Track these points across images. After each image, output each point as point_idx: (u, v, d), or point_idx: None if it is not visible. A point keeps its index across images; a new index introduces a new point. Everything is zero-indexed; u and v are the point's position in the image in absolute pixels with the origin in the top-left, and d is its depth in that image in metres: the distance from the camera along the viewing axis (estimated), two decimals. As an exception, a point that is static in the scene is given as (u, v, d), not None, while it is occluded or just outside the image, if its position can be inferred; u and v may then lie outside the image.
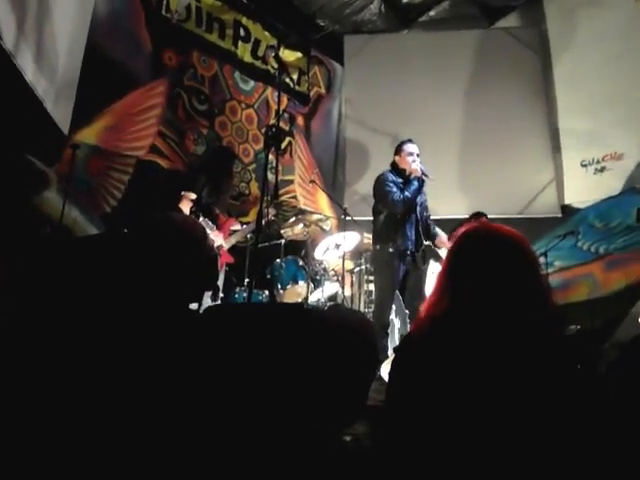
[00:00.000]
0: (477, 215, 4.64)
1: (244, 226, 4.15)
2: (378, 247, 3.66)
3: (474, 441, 1.01)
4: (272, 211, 4.06)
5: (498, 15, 6.29)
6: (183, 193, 3.81)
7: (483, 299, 1.14)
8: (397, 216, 3.62)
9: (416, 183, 3.66)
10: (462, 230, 1.32)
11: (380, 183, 3.70)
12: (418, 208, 3.78)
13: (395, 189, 3.61)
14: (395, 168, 3.78)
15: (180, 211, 3.69)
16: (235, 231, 4.06)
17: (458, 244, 1.30)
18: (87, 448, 0.97)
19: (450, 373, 1.07)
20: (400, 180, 3.70)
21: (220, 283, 3.93)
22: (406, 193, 3.61)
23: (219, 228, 3.92)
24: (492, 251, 1.21)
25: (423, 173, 3.68)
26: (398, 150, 3.81)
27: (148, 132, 4.53)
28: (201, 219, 3.69)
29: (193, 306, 3.52)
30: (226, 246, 3.91)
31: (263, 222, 3.86)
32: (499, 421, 1.02)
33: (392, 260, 3.59)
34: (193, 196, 3.79)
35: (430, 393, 1.09)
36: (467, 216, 4.89)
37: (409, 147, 3.78)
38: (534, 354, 1.07)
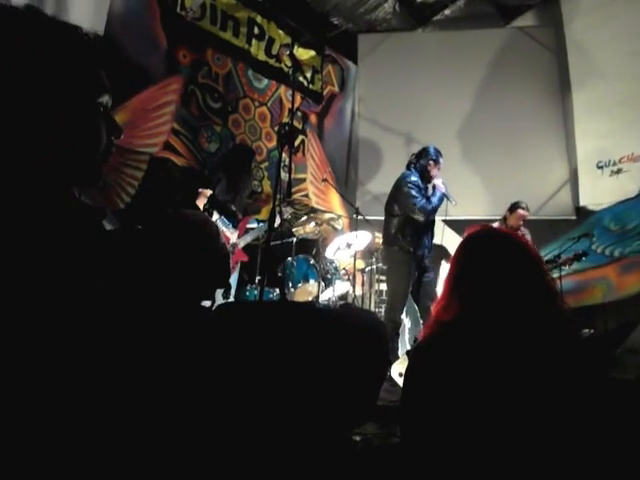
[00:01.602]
0: (512, 205, 4.59)
1: (260, 224, 4.16)
2: (395, 248, 3.68)
3: (488, 445, 1.01)
4: (289, 210, 4.08)
5: (514, 14, 6.23)
6: (200, 190, 3.82)
7: (491, 301, 1.13)
8: (417, 221, 3.64)
9: (439, 194, 3.69)
10: (466, 233, 1.33)
11: (404, 185, 3.70)
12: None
13: (420, 196, 3.62)
14: (423, 170, 3.81)
15: (197, 208, 3.70)
16: (251, 229, 4.06)
17: (463, 247, 1.30)
18: (92, 444, 0.97)
19: (462, 378, 1.07)
20: (423, 185, 3.77)
21: (234, 281, 3.94)
22: (433, 202, 3.63)
23: (236, 226, 3.93)
24: (497, 252, 1.20)
25: (446, 195, 3.74)
26: (431, 157, 3.86)
27: (162, 129, 4.55)
28: (216, 216, 3.71)
29: (206, 304, 3.54)
30: (241, 244, 3.92)
31: (280, 221, 3.91)
32: (513, 424, 1.01)
33: (407, 263, 3.64)
34: (209, 193, 3.81)
35: (443, 398, 1.08)
36: (480, 217, 4.86)
37: (442, 162, 3.90)
38: (546, 356, 1.06)
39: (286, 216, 4.02)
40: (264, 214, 5.07)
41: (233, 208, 3.87)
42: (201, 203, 3.76)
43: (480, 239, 1.29)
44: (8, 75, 0.81)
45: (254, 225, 4.12)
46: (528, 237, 4.65)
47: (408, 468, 1.15)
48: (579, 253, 4.35)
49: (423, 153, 3.90)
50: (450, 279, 1.27)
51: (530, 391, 1.02)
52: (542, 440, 0.99)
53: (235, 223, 3.92)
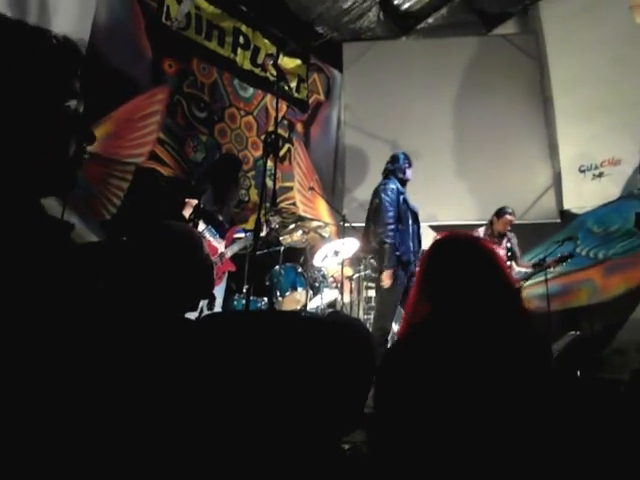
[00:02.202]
0: (498, 211, 4.65)
1: (247, 234, 4.15)
2: (377, 259, 3.72)
3: (457, 442, 1.02)
4: (277, 218, 4.09)
5: (496, 22, 6.33)
6: (187, 200, 3.81)
7: (456, 303, 1.17)
8: (401, 229, 3.70)
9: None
10: (435, 239, 1.37)
11: (382, 200, 3.76)
12: (414, 219, 3.87)
13: (393, 221, 3.67)
14: (401, 177, 3.96)
15: (183, 218, 3.69)
16: (238, 239, 4.05)
17: (430, 252, 1.34)
18: (77, 459, 0.97)
19: (430, 378, 1.09)
20: (403, 189, 3.89)
21: (222, 291, 3.92)
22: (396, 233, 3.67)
23: (223, 236, 3.92)
24: (461, 256, 1.24)
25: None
26: (405, 161, 4.03)
27: (148, 139, 4.55)
28: (203, 226, 3.70)
29: (192, 315, 3.53)
30: (228, 254, 3.91)
31: (268, 230, 3.94)
32: (480, 418, 1.03)
33: (396, 271, 3.64)
34: (195, 203, 3.80)
35: (414, 397, 1.10)
36: (466, 222, 4.92)
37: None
38: (507, 354, 1.09)
39: (274, 225, 4.03)
40: (252, 223, 5.07)
41: (220, 218, 3.87)
42: (187, 213, 3.75)
43: (446, 244, 1.33)
44: None
45: (241, 235, 4.12)
46: (515, 241, 4.72)
47: (379, 468, 1.17)
48: (565, 255, 4.41)
49: (396, 159, 4.02)
50: (418, 282, 1.31)
51: (494, 387, 1.04)
52: (509, 435, 1.01)
53: (222, 233, 3.91)
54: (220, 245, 3.86)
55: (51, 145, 0.93)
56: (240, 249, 3.99)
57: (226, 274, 3.95)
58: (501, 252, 4.43)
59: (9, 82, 0.84)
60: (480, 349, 1.09)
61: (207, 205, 3.80)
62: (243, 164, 5.49)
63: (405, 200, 3.83)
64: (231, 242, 3.99)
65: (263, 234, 4.02)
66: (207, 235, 3.75)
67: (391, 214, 3.67)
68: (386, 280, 3.56)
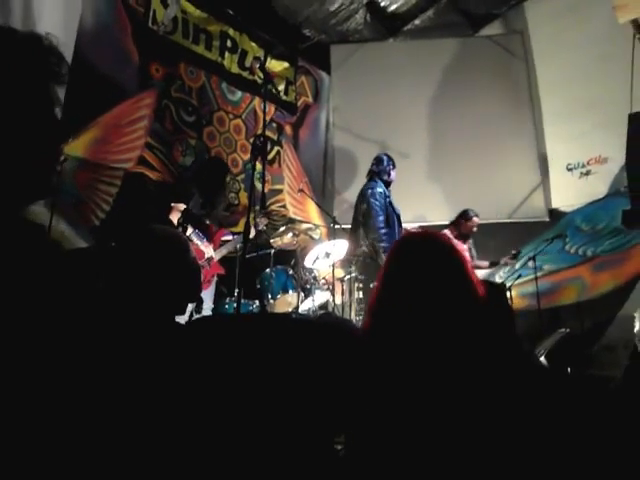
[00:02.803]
0: (462, 213, 4.76)
1: (235, 237, 4.15)
2: (368, 260, 3.83)
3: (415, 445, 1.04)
4: (264, 220, 4.10)
5: (482, 23, 6.39)
6: (173, 204, 3.80)
7: (415, 300, 1.18)
8: (387, 234, 3.79)
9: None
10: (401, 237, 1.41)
11: (371, 205, 3.86)
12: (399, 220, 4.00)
13: (384, 225, 3.78)
14: (386, 179, 4.06)
15: (171, 222, 3.68)
16: (226, 242, 4.05)
17: (392, 250, 1.36)
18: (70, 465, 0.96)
19: (386, 381, 1.11)
20: (388, 191, 3.99)
21: (210, 294, 3.91)
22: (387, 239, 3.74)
23: (210, 239, 3.91)
24: (422, 254, 1.25)
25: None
26: (390, 163, 4.13)
27: (136, 144, 4.52)
28: (190, 230, 3.69)
29: (182, 318, 3.52)
30: (217, 257, 3.91)
31: (255, 232, 3.95)
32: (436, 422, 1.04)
33: None
34: (183, 207, 3.79)
35: (374, 391, 1.12)
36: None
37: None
38: (466, 353, 1.10)
39: (261, 227, 4.05)
40: (242, 226, 5.05)
41: (207, 222, 3.86)
42: (174, 217, 3.74)
43: (407, 242, 1.35)
44: None
45: (229, 238, 4.12)
46: (471, 241, 4.91)
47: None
48: (516, 252, 4.77)
49: (380, 161, 4.12)
50: (380, 279, 1.32)
51: (452, 390, 1.06)
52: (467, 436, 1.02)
53: (209, 237, 3.91)
54: (207, 249, 3.85)
55: (35, 152, 0.93)
56: (228, 252, 3.99)
57: (215, 277, 3.94)
58: (466, 253, 4.67)
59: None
60: (437, 352, 1.11)
61: (194, 209, 3.79)
62: (232, 167, 5.49)
63: (390, 203, 3.94)
64: (219, 245, 3.99)
65: (251, 236, 4.04)
66: (194, 239, 3.75)
67: (381, 218, 3.77)
68: None
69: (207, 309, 3.78)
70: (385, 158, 4.15)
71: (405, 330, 1.16)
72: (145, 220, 3.95)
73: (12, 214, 0.91)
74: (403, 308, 1.18)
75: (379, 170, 4.08)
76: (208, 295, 3.83)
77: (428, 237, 1.32)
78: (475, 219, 4.79)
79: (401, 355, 1.13)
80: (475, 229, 4.81)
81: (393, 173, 4.10)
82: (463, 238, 4.79)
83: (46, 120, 0.93)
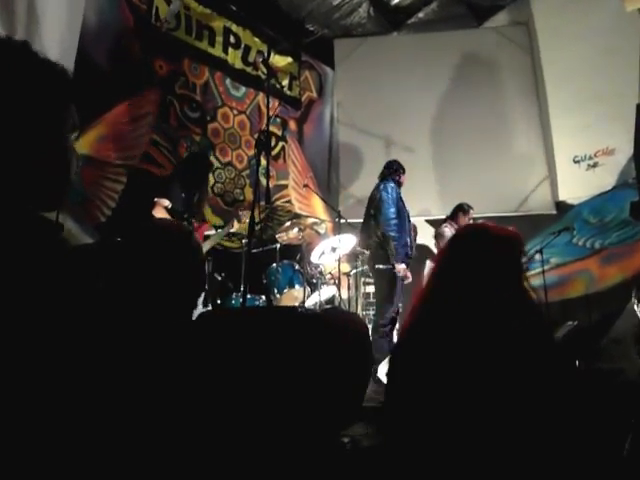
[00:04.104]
0: (460, 208, 4.76)
1: (219, 230, 4.16)
2: (381, 252, 3.88)
3: (459, 440, 1.02)
4: (246, 213, 4.13)
5: (487, 14, 6.33)
6: (156, 200, 3.80)
7: (469, 296, 1.15)
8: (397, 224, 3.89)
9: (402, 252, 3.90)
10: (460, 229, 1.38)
11: (382, 198, 3.96)
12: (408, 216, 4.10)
13: (395, 216, 3.88)
14: (397, 180, 4.17)
15: (153, 218, 3.70)
16: (209, 236, 4.04)
17: (448, 243, 1.33)
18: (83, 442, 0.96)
19: (434, 376, 1.09)
20: (399, 190, 4.10)
21: None
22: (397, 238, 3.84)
23: None
24: (477, 250, 1.23)
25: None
26: (404, 171, 4.26)
27: (140, 141, 4.53)
28: None
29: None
30: None
31: (238, 225, 3.99)
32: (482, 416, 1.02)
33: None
34: (166, 203, 3.79)
35: (420, 390, 1.10)
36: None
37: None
38: (516, 353, 1.08)
39: (244, 220, 4.06)
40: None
41: (190, 217, 3.82)
42: (158, 213, 3.73)
43: (465, 235, 1.32)
44: None
45: (212, 232, 4.12)
46: None
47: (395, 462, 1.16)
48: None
49: (391, 165, 4.26)
50: (433, 274, 1.30)
51: (497, 382, 1.04)
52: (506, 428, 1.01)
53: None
54: None
55: (59, 171, 0.98)
56: (212, 246, 3.99)
57: None
58: None
59: (23, 113, 0.90)
60: (485, 350, 1.09)
61: (177, 204, 3.79)
62: (237, 163, 5.49)
63: (401, 199, 4.05)
64: (202, 240, 3.97)
65: (233, 229, 4.09)
66: None
67: (393, 209, 3.87)
68: (402, 272, 3.79)
69: (199, 303, 3.78)
70: (395, 163, 4.27)
71: (456, 321, 1.14)
72: (133, 216, 3.96)
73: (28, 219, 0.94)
74: (458, 299, 1.17)
75: (390, 172, 4.18)
76: None
77: (485, 229, 1.30)
78: (472, 212, 4.83)
79: (452, 349, 1.10)
80: (472, 222, 4.82)
81: (403, 177, 4.23)
82: None
83: (61, 135, 0.98)
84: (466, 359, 1.07)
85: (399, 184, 4.16)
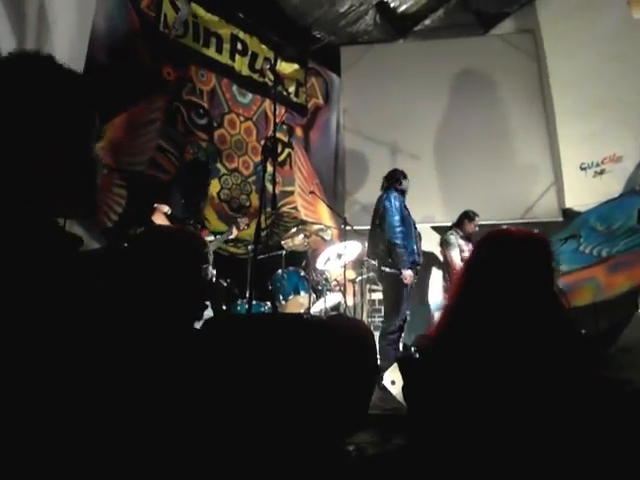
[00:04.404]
0: (465, 215, 4.74)
1: (217, 236, 4.18)
2: (388, 260, 3.89)
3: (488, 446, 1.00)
4: (245, 220, 4.17)
5: (493, 22, 6.34)
6: (156, 205, 3.82)
7: (497, 301, 1.14)
8: (403, 232, 3.90)
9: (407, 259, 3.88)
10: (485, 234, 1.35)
11: (386, 207, 3.98)
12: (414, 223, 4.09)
13: (400, 224, 3.89)
14: (399, 188, 4.15)
15: (152, 223, 3.73)
16: (209, 242, 4.06)
17: (476, 247, 1.31)
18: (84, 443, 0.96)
19: (465, 378, 1.07)
20: (403, 199, 4.10)
21: None
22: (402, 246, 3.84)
23: None
24: (507, 254, 1.21)
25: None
26: (405, 176, 4.23)
27: (147, 146, 4.56)
28: None
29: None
30: None
31: (237, 232, 3.99)
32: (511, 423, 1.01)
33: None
34: (166, 209, 3.81)
35: (447, 394, 1.09)
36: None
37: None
38: (547, 357, 1.06)
39: (242, 227, 4.10)
40: (253, 227, 5.06)
41: (191, 222, 3.84)
42: (157, 219, 3.76)
43: (494, 239, 1.30)
44: (17, 121, 0.89)
45: (211, 238, 4.13)
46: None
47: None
48: None
49: (391, 174, 4.25)
50: (464, 276, 1.28)
51: (527, 388, 1.02)
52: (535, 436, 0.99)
53: None
54: None
55: (89, 179, 1.00)
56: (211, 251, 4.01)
57: None
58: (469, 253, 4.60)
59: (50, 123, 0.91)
60: (517, 355, 1.07)
61: (176, 210, 3.81)
62: (244, 170, 5.51)
63: (406, 207, 4.06)
64: None
65: (232, 236, 4.12)
66: None
67: (397, 217, 3.88)
68: (408, 278, 3.79)
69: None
70: (396, 172, 4.26)
71: (490, 327, 1.12)
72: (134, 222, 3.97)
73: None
74: (491, 305, 1.15)
75: (391, 183, 4.17)
76: None
77: (518, 234, 1.29)
78: (477, 219, 4.82)
79: (488, 354, 1.08)
80: (477, 229, 4.82)
81: (404, 182, 4.19)
82: (467, 239, 4.77)
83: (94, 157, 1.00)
84: (503, 365, 1.06)
85: (402, 192, 4.15)
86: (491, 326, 1.13)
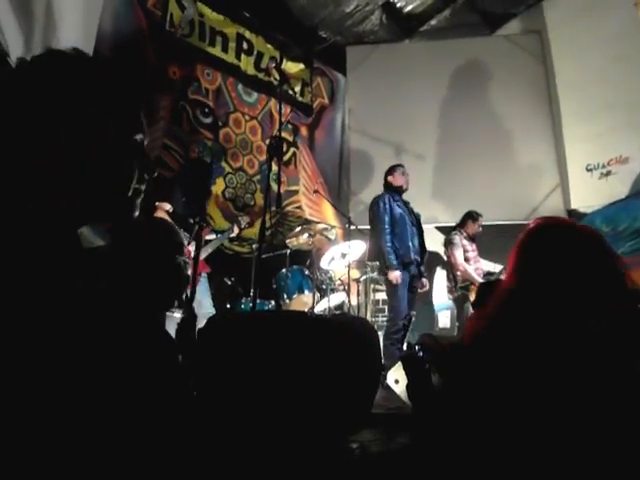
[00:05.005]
0: (469, 215, 4.74)
1: (219, 235, 4.18)
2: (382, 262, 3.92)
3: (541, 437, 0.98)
4: (246, 219, 4.17)
5: (499, 22, 6.32)
6: (157, 203, 3.82)
7: (559, 291, 1.10)
8: (395, 231, 3.92)
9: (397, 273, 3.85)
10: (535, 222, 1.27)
11: (374, 212, 4.03)
12: (412, 221, 4.08)
13: (388, 226, 3.91)
14: (391, 185, 4.15)
15: None
16: (209, 240, 4.05)
17: (532, 237, 1.24)
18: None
19: (518, 364, 1.03)
20: (396, 197, 4.08)
21: (205, 291, 3.89)
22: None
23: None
24: (571, 243, 1.16)
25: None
26: (389, 172, 4.22)
27: (153, 145, 4.57)
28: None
29: (177, 314, 3.59)
30: (202, 256, 3.90)
31: (239, 230, 3.99)
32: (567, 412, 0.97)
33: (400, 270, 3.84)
34: (168, 206, 3.81)
35: (498, 380, 1.05)
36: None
37: (399, 169, 4.23)
38: (610, 345, 1.02)
39: (244, 225, 4.11)
40: (258, 227, 5.07)
41: (191, 221, 3.84)
42: (159, 216, 3.76)
43: (553, 226, 1.24)
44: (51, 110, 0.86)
45: (212, 237, 4.13)
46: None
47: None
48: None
49: (386, 174, 4.26)
50: (516, 265, 1.22)
51: (586, 378, 0.99)
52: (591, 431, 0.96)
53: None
54: (192, 248, 3.85)
55: (116, 175, 0.97)
56: (213, 250, 4.01)
57: (204, 275, 3.91)
58: (476, 253, 4.74)
59: (89, 112, 0.91)
60: (578, 342, 1.03)
61: (178, 208, 3.81)
62: (248, 168, 5.51)
63: (399, 206, 4.04)
64: (203, 244, 3.98)
65: (234, 234, 4.12)
66: None
67: (384, 223, 3.90)
68: (395, 279, 3.77)
69: (208, 306, 3.78)
70: (389, 168, 4.27)
71: (544, 322, 1.06)
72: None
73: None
74: (545, 299, 1.10)
75: (384, 184, 4.22)
76: (202, 292, 3.80)
77: (565, 224, 1.24)
78: (481, 219, 4.83)
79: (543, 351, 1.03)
80: (480, 229, 4.82)
81: (400, 178, 4.15)
82: (471, 239, 4.77)
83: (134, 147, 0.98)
84: (560, 362, 1.02)
85: (396, 189, 4.13)
86: (549, 321, 1.08)
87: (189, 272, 1.37)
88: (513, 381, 1.05)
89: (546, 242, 1.20)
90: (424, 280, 4.09)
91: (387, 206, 3.98)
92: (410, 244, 3.92)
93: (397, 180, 4.15)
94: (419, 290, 4.09)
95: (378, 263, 4.03)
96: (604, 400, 0.99)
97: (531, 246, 1.22)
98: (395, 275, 3.76)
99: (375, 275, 4.67)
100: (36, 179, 0.90)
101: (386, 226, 3.89)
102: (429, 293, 5.35)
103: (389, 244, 3.84)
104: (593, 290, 1.11)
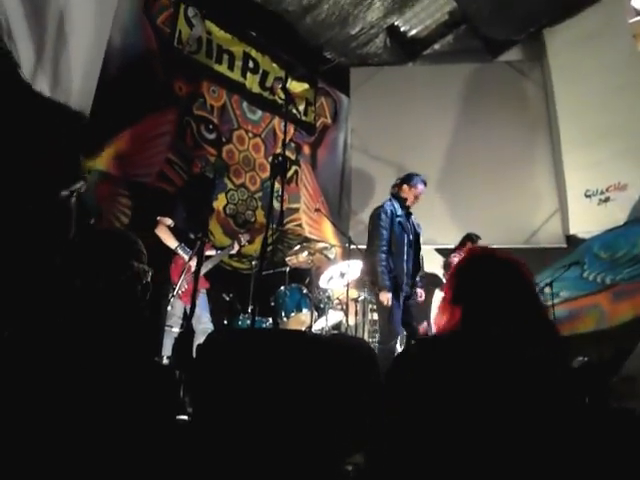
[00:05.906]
0: (468, 237, 4.75)
1: (219, 251, 4.19)
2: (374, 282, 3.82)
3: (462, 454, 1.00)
4: (246, 236, 4.18)
5: (501, 49, 6.42)
6: (159, 218, 3.84)
7: (489, 318, 1.15)
8: (392, 250, 3.79)
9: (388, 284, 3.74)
10: (467, 251, 1.36)
11: (374, 226, 3.90)
12: (411, 241, 3.93)
13: (385, 243, 3.78)
14: (398, 197, 4.01)
15: (156, 237, 3.77)
16: (210, 256, 4.06)
17: (463, 263, 1.33)
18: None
19: (445, 389, 1.07)
20: (402, 212, 3.94)
21: (205, 306, 3.87)
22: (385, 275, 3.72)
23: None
24: (496, 271, 1.23)
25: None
26: (404, 182, 4.05)
27: (157, 159, 4.61)
28: (175, 244, 3.76)
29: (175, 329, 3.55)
30: (202, 271, 3.90)
31: (239, 247, 4.05)
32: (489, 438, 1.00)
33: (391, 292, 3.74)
34: (169, 221, 3.83)
35: (426, 407, 1.08)
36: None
37: (420, 187, 4.04)
38: (535, 377, 1.06)
39: (243, 242, 4.11)
40: (258, 243, 5.08)
41: (192, 236, 3.84)
42: (160, 232, 3.78)
43: (480, 257, 1.32)
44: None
45: (213, 252, 4.14)
46: None
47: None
48: None
49: (396, 181, 4.12)
50: (448, 294, 1.29)
51: (510, 410, 1.02)
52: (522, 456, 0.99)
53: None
54: (194, 262, 3.85)
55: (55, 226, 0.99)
56: (213, 266, 4.01)
57: (203, 291, 3.90)
58: None
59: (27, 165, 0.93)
60: (504, 372, 1.07)
61: (179, 223, 3.83)
62: (250, 185, 5.55)
63: (400, 223, 3.88)
64: (204, 260, 3.98)
65: (234, 251, 4.11)
66: (180, 252, 3.77)
67: (384, 239, 3.79)
68: (384, 300, 3.66)
69: (206, 322, 3.77)
70: (399, 179, 4.13)
71: (475, 348, 1.11)
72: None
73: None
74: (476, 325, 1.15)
75: (394, 190, 4.08)
76: (202, 307, 3.79)
77: (497, 255, 1.30)
78: (479, 242, 4.82)
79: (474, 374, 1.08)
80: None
81: (406, 188, 4.02)
82: None
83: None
84: (484, 381, 1.06)
85: (401, 199, 3.99)
86: (478, 347, 1.13)
87: (148, 279, 1.37)
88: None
89: (470, 272, 1.29)
90: (419, 290, 3.98)
91: (388, 220, 3.84)
92: (404, 266, 3.77)
93: (405, 192, 4.01)
94: (418, 299, 3.99)
95: (370, 280, 3.92)
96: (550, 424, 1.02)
97: (460, 277, 1.31)
98: (387, 297, 3.64)
99: (366, 295, 4.65)
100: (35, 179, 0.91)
101: (383, 243, 3.76)
102: (428, 315, 5.34)
103: (384, 263, 3.71)
104: (518, 319, 1.16)
